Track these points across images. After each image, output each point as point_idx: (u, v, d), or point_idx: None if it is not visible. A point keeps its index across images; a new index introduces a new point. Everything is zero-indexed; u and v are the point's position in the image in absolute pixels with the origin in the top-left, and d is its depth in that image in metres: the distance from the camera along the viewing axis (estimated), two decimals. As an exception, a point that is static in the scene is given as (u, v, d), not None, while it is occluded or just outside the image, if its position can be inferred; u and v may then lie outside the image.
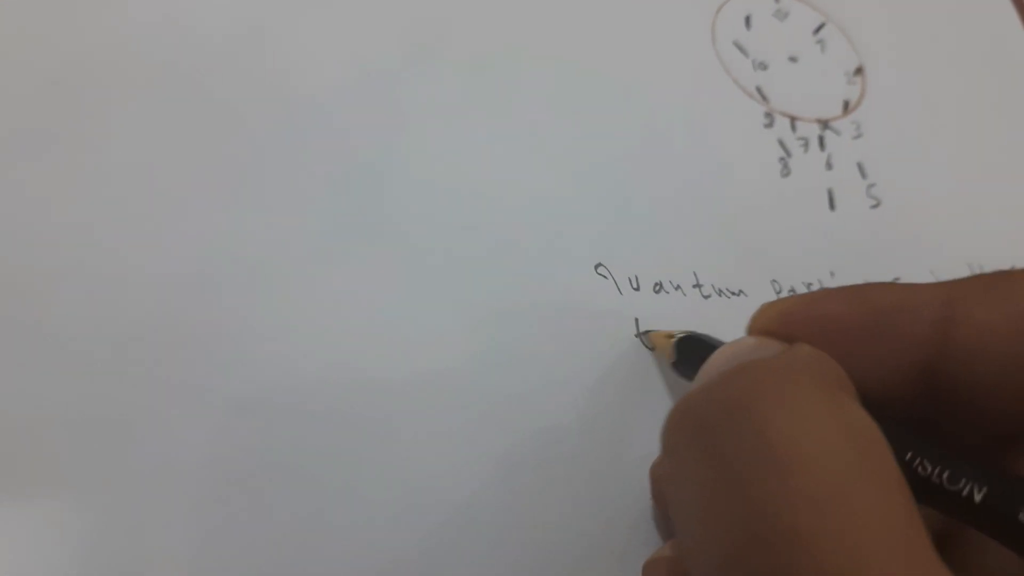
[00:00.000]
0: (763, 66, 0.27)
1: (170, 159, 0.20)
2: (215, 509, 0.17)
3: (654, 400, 0.21)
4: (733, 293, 0.23)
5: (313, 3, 0.23)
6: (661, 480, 0.19)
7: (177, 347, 0.18)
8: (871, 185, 0.27)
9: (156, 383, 0.18)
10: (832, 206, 0.26)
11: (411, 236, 0.21)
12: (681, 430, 0.14)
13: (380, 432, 0.19)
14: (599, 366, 0.21)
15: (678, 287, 0.22)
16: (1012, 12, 0.32)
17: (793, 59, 0.28)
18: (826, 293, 0.17)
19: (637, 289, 0.22)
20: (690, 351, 0.20)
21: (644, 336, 0.22)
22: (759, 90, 0.27)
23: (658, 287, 0.22)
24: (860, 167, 0.27)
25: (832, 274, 0.24)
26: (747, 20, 0.28)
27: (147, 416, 0.18)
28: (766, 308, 0.17)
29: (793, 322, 0.16)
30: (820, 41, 0.29)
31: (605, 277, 0.22)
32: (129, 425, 0.17)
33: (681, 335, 0.20)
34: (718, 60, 0.27)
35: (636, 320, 0.22)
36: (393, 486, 0.18)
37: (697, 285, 0.23)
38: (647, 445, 0.20)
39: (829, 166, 0.27)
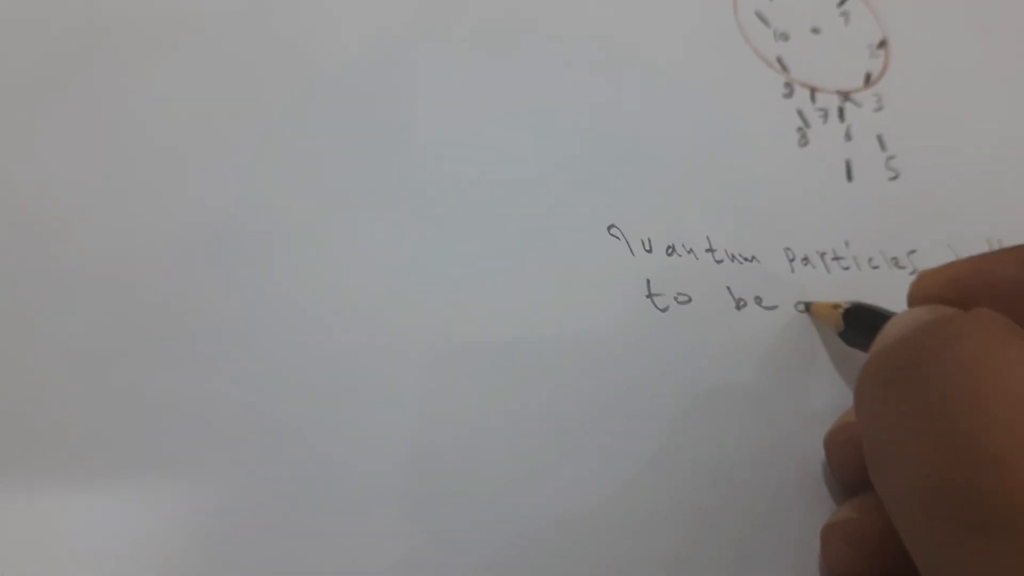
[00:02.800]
0: (784, 37, 0.27)
1: (188, 119, 0.21)
2: (231, 475, 0.18)
3: (663, 360, 0.21)
4: (746, 259, 0.23)
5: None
6: (849, 428, 0.20)
7: (190, 309, 0.19)
8: (890, 157, 0.27)
9: (169, 345, 0.19)
10: (849, 177, 0.26)
11: (424, 199, 0.21)
12: (885, 372, 0.14)
13: (389, 393, 0.19)
14: (609, 325, 0.21)
15: (691, 250, 0.23)
16: (1043, -12, 0.32)
17: (816, 30, 0.28)
18: (995, 256, 0.17)
19: (649, 251, 0.22)
20: (858, 321, 0.21)
21: (805, 307, 0.23)
22: (779, 60, 0.27)
23: (670, 250, 0.22)
24: (880, 139, 0.27)
25: (847, 243, 0.25)
26: (770, -10, 0.28)
27: (161, 382, 0.18)
28: (929, 275, 0.18)
29: (965, 287, 0.17)
30: (844, 13, 0.29)
31: (618, 238, 0.22)
32: (141, 390, 0.18)
33: (848, 306, 0.21)
34: (739, 29, 0.27)
35: (648, 281, 0.22)
36: (402, 446, 0.19)
37: (710, 249, 0.23)
38: (657, 405, 0.21)
39: (848, 137, 0.26)
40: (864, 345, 0.20)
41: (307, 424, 0.19)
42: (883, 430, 0.14)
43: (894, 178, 0.26)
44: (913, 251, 0.25)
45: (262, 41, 0.22)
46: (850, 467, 0.20)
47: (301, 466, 0.18)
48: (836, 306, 0.22)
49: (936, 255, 0.26)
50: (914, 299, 0.18)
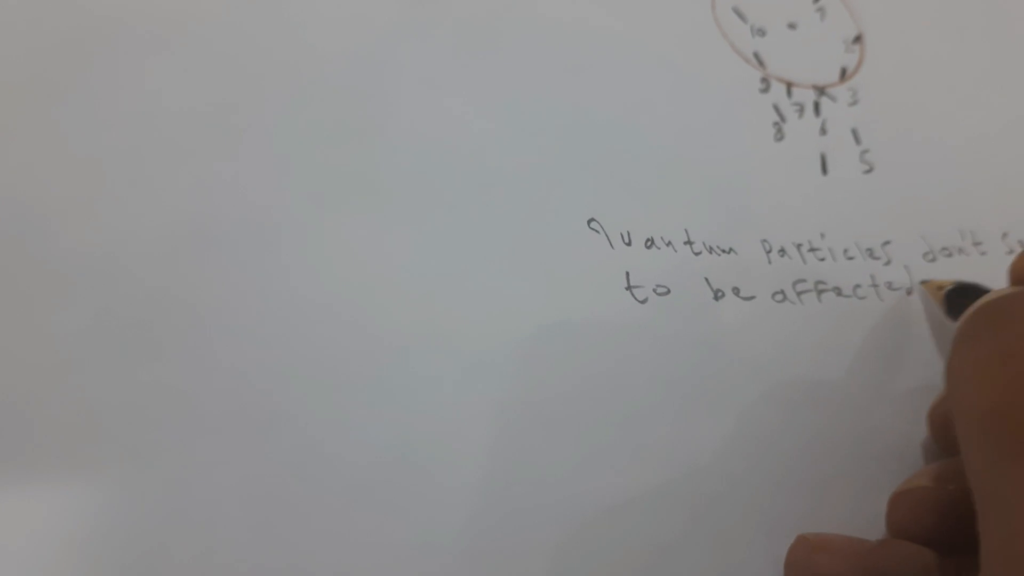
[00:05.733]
0: (761, 32, 0.28)
1: (178, 117, 0.21)
2: (219, 468, 0.18)
3: (643, 350, 0.22)
4: (723, 251, 0.24)
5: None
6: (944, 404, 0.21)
7: (180, 303, 0.19)
8: (865, 151, 0.27)
9: (159, 338, 0.19)
10: (824, 170, 0.26)
11: (405, 195, 0.22)
12: (975, 322, 0.16)
13: (373, 386, 0.20)
14: (590, 317, 0.22)
15: (669, 243, 0.23)
16: (1015, -16, 0.33)
17: (792, 26, 0.28)
18: None
19: (629, 244, 0.23)
20: (960, 299, 0.22)
21: (919, 285, 0.25)
22: (756, 56, 0.27)
23: (649, 243, 0.23)
24: (854, 133, 0.27)
25: (822, 235, 0.25)
26: (747, -13, 0.28)
27: (151, 374, 0.19)
28: None
29: None
30: (820, 9, 0.29)
31: (597, 232, 0.23)
32: (132, 382, 0.18)
33: (951, 287, 0.23)
34: (716, 25, 0.27)
35: (627, 273, 0.22)
36: (386, 438, 0.19)
37: (688, 242, 0.23)
38: (635, 394, 0.21)
39: (823, 131, 0.27)
40: None
41: (295, 417, 0.19)
42: (964, 368, 0.16)
43: (868, 171, 0.27)
44: (887, 242, 0.26)
45: (249, 40, 0.22)
46: (949, 439, 0.21)
47: (289, 459, 0.18)
48: (940, 287, 0.23)
49: (910, 246, 0.26)
50: (1013, 273, 0.20)
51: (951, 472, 0.19)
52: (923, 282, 0.25)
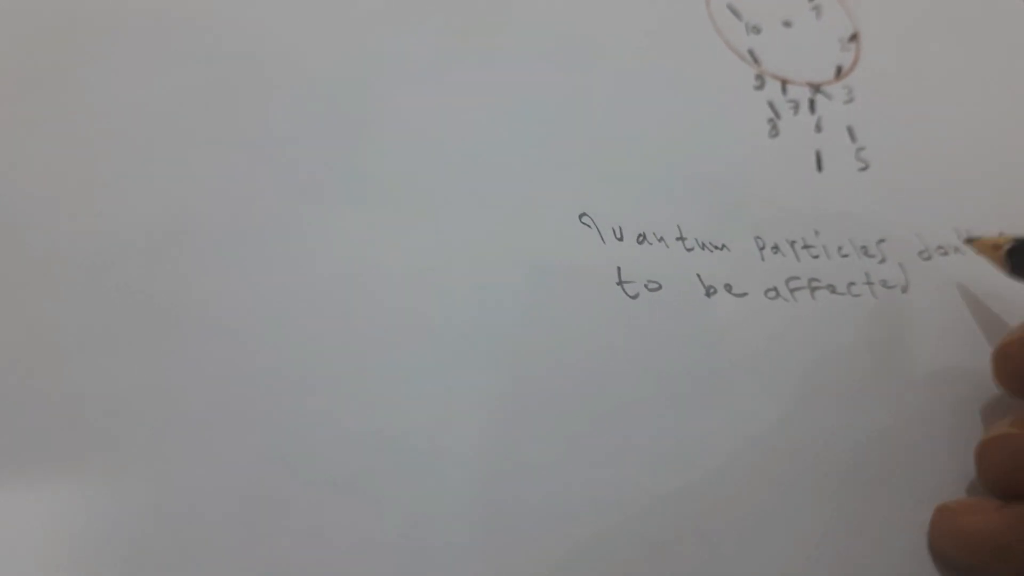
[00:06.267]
0: (756, 30, 0.28)
1: (159, 111, 0.21)
2: (199, 466, 0.18)
3: (633, 346, 0.22)
4: (716, 247, 0.24)
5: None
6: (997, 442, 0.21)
7: (159, 302, 0.19)
8: (860, 148, 0.27)
9: (137, 337, 0.19)
10: (820, 167, 0.26)
11: (394, 190, 0.22)
12: None
13: (357, 382, 0.19)
14: (581, 312, 0.21)
15: (661, 239, 0.23)
16: (1012, -16, 0.32)
17: (787, 24, 0.28)
18: None
19: (620, 239, 0.23)
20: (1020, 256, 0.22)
21: (969, 243, 0.25)
22: (751, 53, 0.27)
23: (641, 238, 0.23)
24: (850, 131, 0.27)
25: (816, 232, 0.25)
26: (742, -16, 0.28)
27: (130, 373, 0.18)
28: None
29: None
30: (816, 7, 0.29)
31: (589, 226, 0.22)
32: (109, 381, 0.18)
33: (1009, 245, 0.23)
34: (711, 22, 0.27)
35: (618, 268, 0.22)
36: (371, 434, 0.19)
37: (680, 238, 0.23)
38: (626, 391, 0.21)
39: (819, 129, 0.27)
40: None
41: (284, 411, 0.19)
42: None
43: (864, 169, 0.27)
44: (882, 240, 0.26)
45: (231, 33, 0.22)
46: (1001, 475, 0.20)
47: (277, 453, 0.18)
48: (997, 246, 0.23)
49: (905, 244, 0.26)
50: None
51: None
52: (969, 240, 0.25)
